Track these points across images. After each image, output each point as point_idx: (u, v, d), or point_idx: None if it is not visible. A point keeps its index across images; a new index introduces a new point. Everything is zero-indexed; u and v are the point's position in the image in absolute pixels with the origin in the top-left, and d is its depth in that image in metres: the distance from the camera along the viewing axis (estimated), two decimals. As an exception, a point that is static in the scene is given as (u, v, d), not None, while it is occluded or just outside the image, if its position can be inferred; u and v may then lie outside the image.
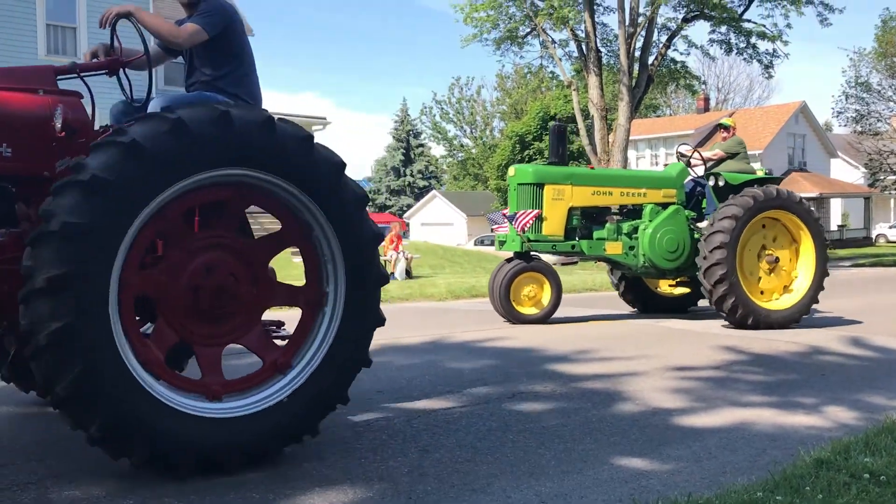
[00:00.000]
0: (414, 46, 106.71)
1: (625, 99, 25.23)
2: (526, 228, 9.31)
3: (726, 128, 10.73)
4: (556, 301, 9.56)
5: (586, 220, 9.75)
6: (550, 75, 32.28)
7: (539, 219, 9.41)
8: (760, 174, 9.94)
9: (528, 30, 27.18)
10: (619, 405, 4.94)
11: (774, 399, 5.13)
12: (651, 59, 26.05)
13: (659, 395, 5.22)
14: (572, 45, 26.93)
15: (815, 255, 9.30)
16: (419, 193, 62.35)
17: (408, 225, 55.57)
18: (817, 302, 9.36)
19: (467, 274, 20.83)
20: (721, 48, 27.29)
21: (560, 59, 27.11)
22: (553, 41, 26.89)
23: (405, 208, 61.38)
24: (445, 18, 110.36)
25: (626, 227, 9.64)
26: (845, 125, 40.29)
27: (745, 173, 9.90)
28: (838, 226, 44.68)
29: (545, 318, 9.46)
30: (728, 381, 5.79)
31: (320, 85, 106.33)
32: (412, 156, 65.06)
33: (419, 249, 22.69)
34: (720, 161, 10.24)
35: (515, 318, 9.35)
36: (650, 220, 9.55)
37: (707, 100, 52.34)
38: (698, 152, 10.35)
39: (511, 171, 9.85)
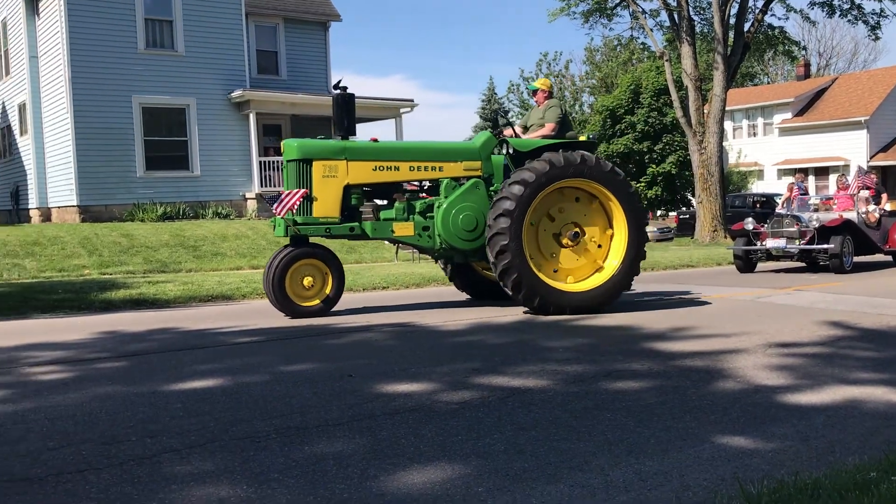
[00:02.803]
0: (500, 24, 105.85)
1: (720, 68, 24.41)
2: (293, 210, 8.24)
3: (535, 91, 9.32)
4: (337, 290, 8.53)
5: (373, 200, 8.75)
6: (641, 47, 31.58)
7: (308, 199, 8.33)
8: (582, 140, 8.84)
9: (618, 1, 26.57)
10: (719, 383, 4.82)
11: (887, 376, 4.90)
12: (747, 26, 25.08)
13: (761, 373, 5.06)
14: (663, 15, 26.23)
15: (628, 230, 8.39)
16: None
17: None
18: (628, 288, 8.50)
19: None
20: (823, 10, 26.05)
21: (651, 30, 26.43)
22: (643, 11, 26.22)
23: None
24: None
25: (419, 205, 8.63)
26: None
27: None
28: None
29: (325, 311, 8.47)
30: (835, 357, 5.57)
31: (406, 67, 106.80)
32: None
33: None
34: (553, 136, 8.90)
35: (292, 311, 8.34)
36: (445, 197, 8.54)
37: (808, 66, 50.06)
38: (513, 128, 9.10)
39: (282, 146, 8.73)
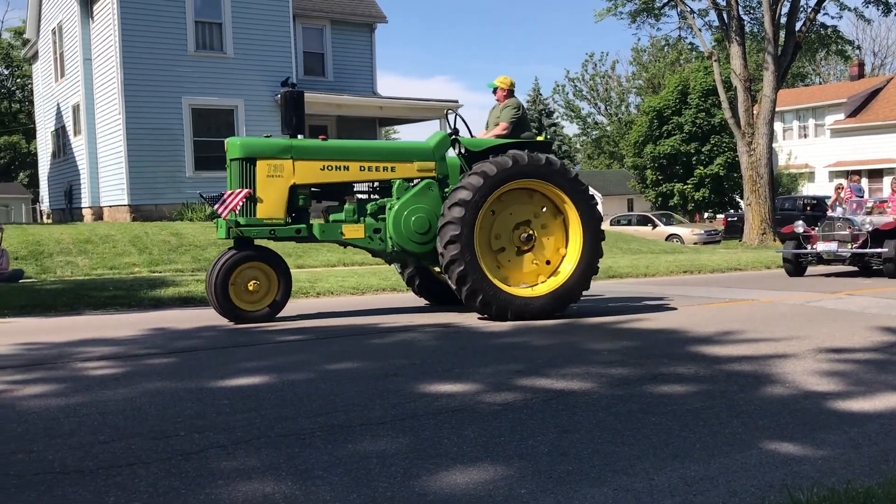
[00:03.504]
0: (545, 25, 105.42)
1: (770, 68, 24.00)
2: (236, 211, 7.91)
3: (495, 90, 8.98)
4: (284, 294, 8.25)
5: (320, 200, 8.53)
6: (689, 47, 31.16)
7: (252, 199, 7.99)
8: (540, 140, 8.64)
9: (665, 0, 26.28)
10: (767, 388, 4.73)
11: (943, 384, 4.76)
12: (798, 25, 24.63)
13: (811, 378, 4.96)
14: (712, 15, 25.88)
15: (582, 233, 8.14)
16: (553, 173, 61.67)
17: (542, 205, 55.23)
18: (578, 298, 8.23)
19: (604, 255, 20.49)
20: (878, 8, 25.45)
21: (699, 30, 26.10)
22: (692, 11, 25.92)
23: (539, 189, 60.89)
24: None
25: (371, 206, 8.36)
26: None
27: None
28: None
29: (271, 316, 8.18)
30: (889, 363, 5.43)
31: (450, 69, 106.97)
32: (545, 136, 64.39)
33: (554, 230, 22.45)
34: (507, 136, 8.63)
35: (237, 316, 8.04)
36: (397, 198, 8.26)
37: (861, 65, 48.93)
38: (468, 128, 8.77)
39: (226, 144, 8.37)
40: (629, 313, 8.40)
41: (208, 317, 8.77)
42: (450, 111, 9.17)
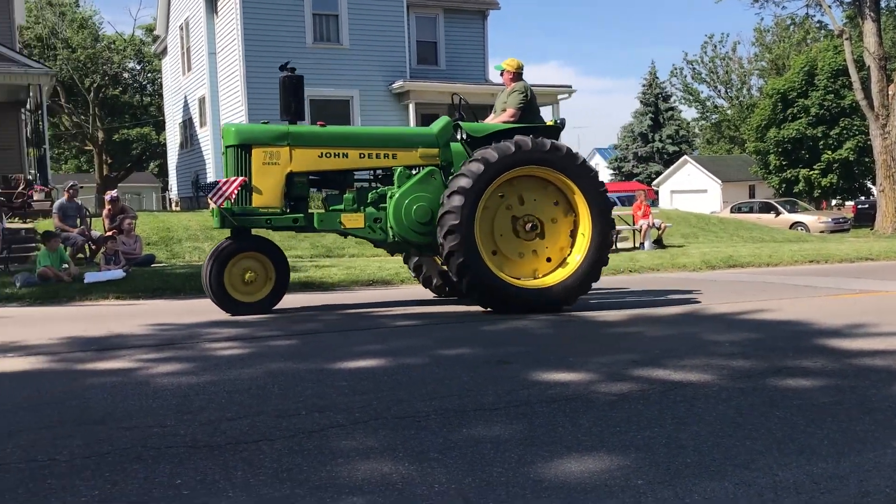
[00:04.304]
0: (662, 6, 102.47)
1: (907, 45, 22.50)
2: (231, 200, 7.63)
3: (502, 72, 8.57)
4: (279, 286, 8.01)
5: (321, 189, 8.22)
6: (818, 25, 29.72)
7: (247, 188, 7.71)
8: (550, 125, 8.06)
9: (792, -23, 25.08)
10: (903, 385, 4.47)
11: None
12: (941, -2, 22.98)
13: (953, 376, 4.65)
14: (843, -10, 24.47)
15: (591, 222, 7.61)
16: (669, 159, 60.13)
17: (656, 193, 53.96)
18: (587, 290, 7.68)
19: (723, 243, 19.85)
20: None
21: (829, 7, 24.79)
22: (820, -13, 24.59)
23: (654, 175, 59.51)
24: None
25: (371, 195, 8.02)
26: None
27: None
28: None
29: (267, 307, 7.96)
30: None
31: (563, 53, 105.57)
32: (661, 120, 62.71)
33: (670, 218, 21.92)
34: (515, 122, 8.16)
35: (233, 309, 7.87)
36: (399, 187, 7.87)
37: None
38: (473, 113, 8.44)
39: (221, 130, 8.13)
40: (750, 303, 8.10)
41: (327, 300, 9.04)
42: (455, 94, 8.82)
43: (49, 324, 7.77)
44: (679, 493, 2.89)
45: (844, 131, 36.68)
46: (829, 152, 37.04)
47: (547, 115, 26.26)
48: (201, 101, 26.44)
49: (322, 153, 7.90)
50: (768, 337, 6.18)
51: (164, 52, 33.05)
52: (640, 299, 8.74)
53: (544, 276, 7.87)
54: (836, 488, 2.92)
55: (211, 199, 7.65)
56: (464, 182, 7.45)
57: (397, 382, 4.68)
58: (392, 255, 9.82)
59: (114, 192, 15.41)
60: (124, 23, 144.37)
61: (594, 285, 8.04)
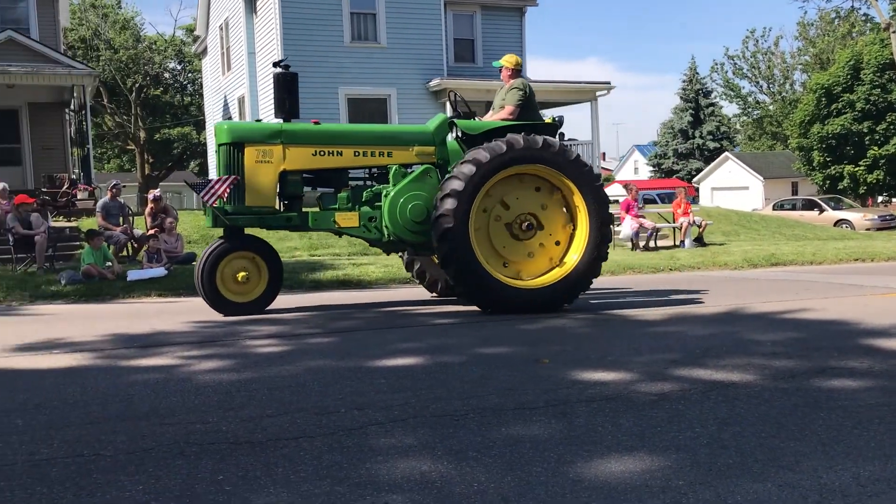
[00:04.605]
0: (701, 1, 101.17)
1: (957, 38, 21.94)
2: (223, 198, 7.52)
3: (504, 69, 8.29)
4: (272, 285, 7.96)
5: (315, 188, 8.08)
6: (864, 18, 29.06)
7: (240, 186, 7.60)
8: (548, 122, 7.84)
9: (836, -30, 24.61)
10: (953, 386, 4.36)
11: None
12: None
13: None
14: (890, -18, 23.92)
15: (588, 219, 7.45)
16: (709, 156, 59.34)
17: (696, 190, 53.30)
18: (586, 289, 7.55)
19: (765, 241, 19.54)
20: None
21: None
22: (866, -21, 24.07)
23: (694, 172, 58.79)
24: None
25: (366, 194, 7.91)
26: None
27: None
28: None
29: (260, 307, 7.91)
30: None
31: (602, 49, 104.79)
32: (702, 116, 61.89)
33: (710, 215, 21.62)
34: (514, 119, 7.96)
35: (225, 309, 7.81)
36: (394, 185, 7.74)
37: None
38: (469, 110, 8.28)
39: (214, 129, 7.98)
40: (793, 302, 7.97)
41: (365, 298, 9.09)
42: (450, 91, 8.68)
43: (93, 321, 7.93)
44: (721, 495, 2.85)
45: (891, 126, 35.87)
46: (876, 148, 36.25)
47: (585, 111, 26.09)
48: (241, 100, 26.72)
49: (316, 151, 7.82)
50: (812, 336, 6.07)
51: (205, 52, 33.46)
52: (679, 298, 8.63)
53: (542, 275, 7.79)
54: (884, 492, 2.86)
55: (203, 197, 7.57)
56: (456, 184, 7.36)
57: (435, 380, 4.69)
58: (388, 255, 9.79)
59: (157, 191, 15.64)
60: (165, 23, 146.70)
61: (633, 286, 7.98)
